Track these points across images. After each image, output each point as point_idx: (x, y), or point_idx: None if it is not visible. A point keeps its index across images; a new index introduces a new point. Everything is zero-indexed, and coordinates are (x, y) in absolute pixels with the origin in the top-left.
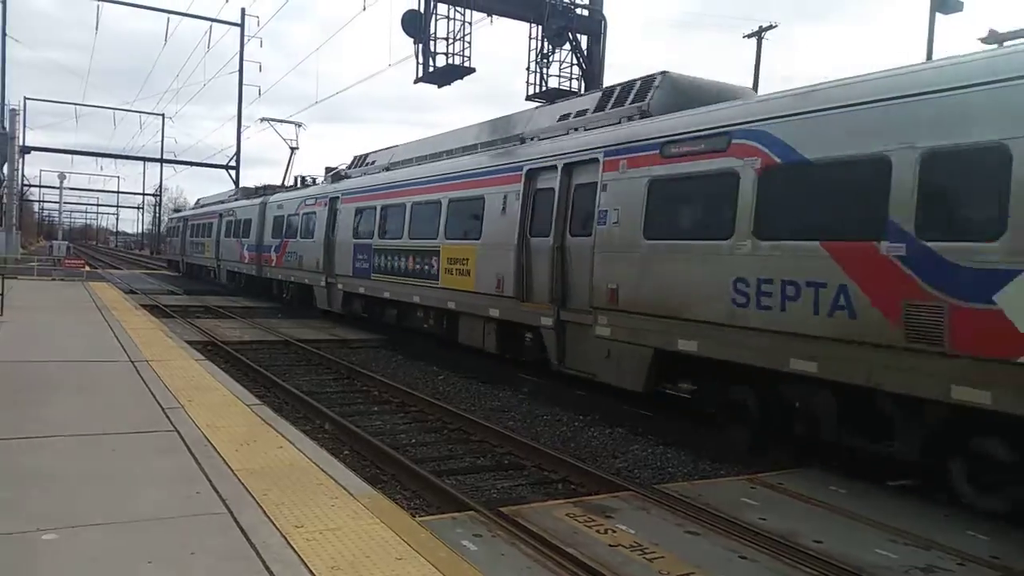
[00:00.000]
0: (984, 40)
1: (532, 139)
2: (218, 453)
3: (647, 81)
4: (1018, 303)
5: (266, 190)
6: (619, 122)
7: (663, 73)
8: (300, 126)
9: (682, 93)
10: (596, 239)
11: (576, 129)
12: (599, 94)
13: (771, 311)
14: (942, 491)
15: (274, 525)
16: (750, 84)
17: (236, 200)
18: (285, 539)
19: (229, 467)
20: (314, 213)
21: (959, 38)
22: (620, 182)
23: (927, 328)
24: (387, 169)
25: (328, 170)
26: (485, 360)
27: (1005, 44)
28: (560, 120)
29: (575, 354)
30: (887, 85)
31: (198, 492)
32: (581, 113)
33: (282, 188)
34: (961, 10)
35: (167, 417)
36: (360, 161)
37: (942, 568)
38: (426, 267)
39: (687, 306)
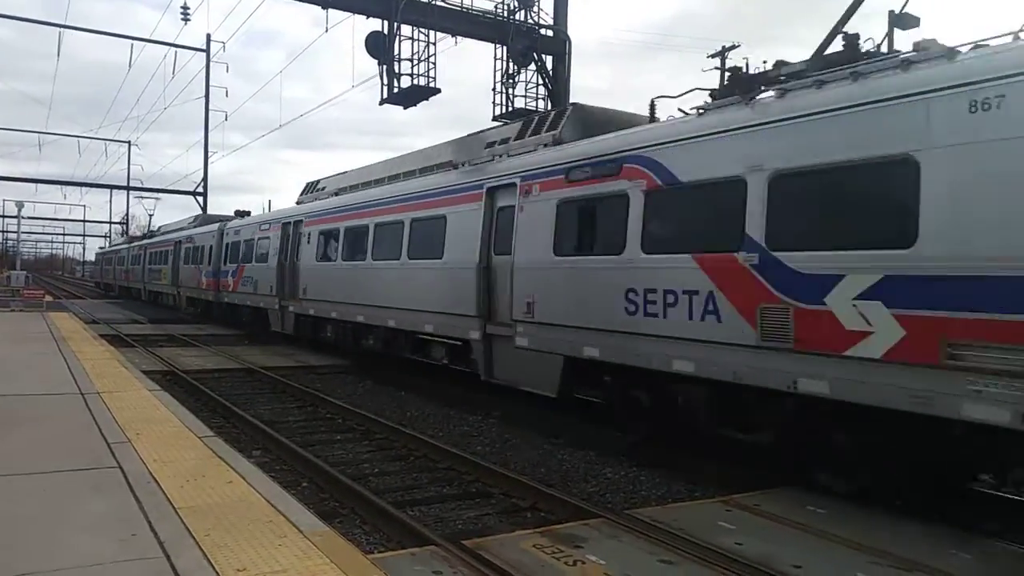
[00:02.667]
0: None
1: (462, 165)
2: (162, 490)
3: (560, 112)
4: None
5: (221, 219)
6: (535, 149)
7: (573, 105)
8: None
9: (591, 122)
10: (515, 257)
11: (500, 156)
12: (520, 124)
13: (656, 318)
14: (921, 508)
15: (213, 569)
16: None
17: (194, 227)
18: None
19: (172, 505)
20: (268, 238)
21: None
22: (534, 204)
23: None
24: (335, 194)
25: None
26: (454, 385)
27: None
28: (487, 147)
29: (501, 365)
30: (742, 116)
31: (134, 535)
32: (504, 141)
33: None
34: (918, 25)
35: (111, 452)
36: (312, 187)
37: None
38: (366, 286)
39: (590, 316)
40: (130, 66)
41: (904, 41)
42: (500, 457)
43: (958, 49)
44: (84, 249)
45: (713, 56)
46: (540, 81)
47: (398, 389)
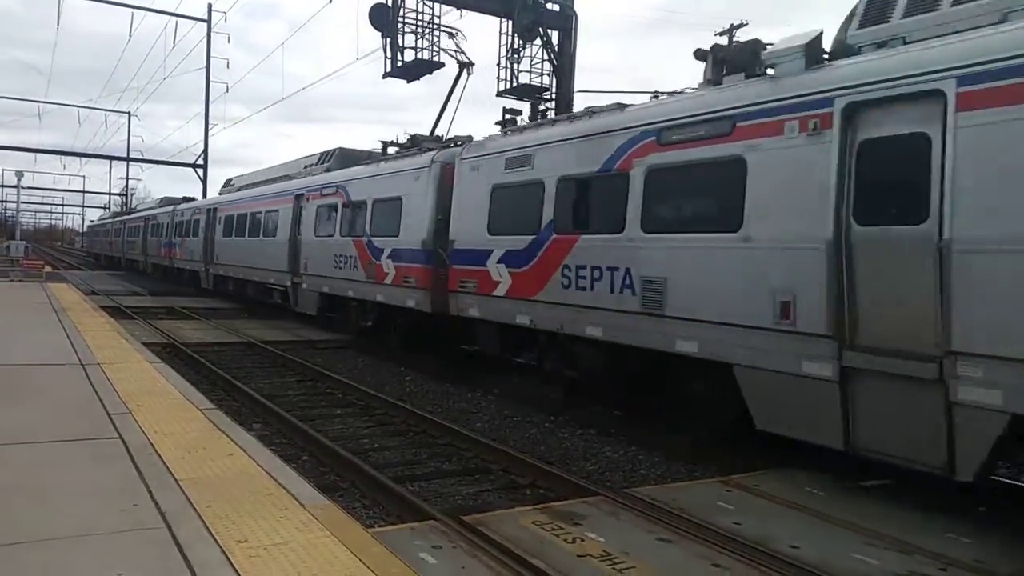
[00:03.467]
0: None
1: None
2: (163, 461)
3: (327, 154)
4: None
5: (184, 201)
6: (319, 174)
7: (340, 148)
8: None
9: (351, 158)
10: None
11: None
12: (316, 156)
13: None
14: (919, 490)
15: (215, 540)
16: None
17: (158, 208)
18: (225, 555)
19: (173, 476)
20: (198, 219)
21: None
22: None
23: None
24: (239, 190)
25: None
26: (454, 362)
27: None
28: (304, 168)
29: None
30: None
31: (135, 504)
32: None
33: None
34: None
35: (112, 423)
36: (228, 183)
37: (924, 574)
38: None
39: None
40: (130, 36)
41: None
42: (499, 434)
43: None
44: (83, 220)
45: (721, 34)
46: (546, 57)
47: (398, 365)
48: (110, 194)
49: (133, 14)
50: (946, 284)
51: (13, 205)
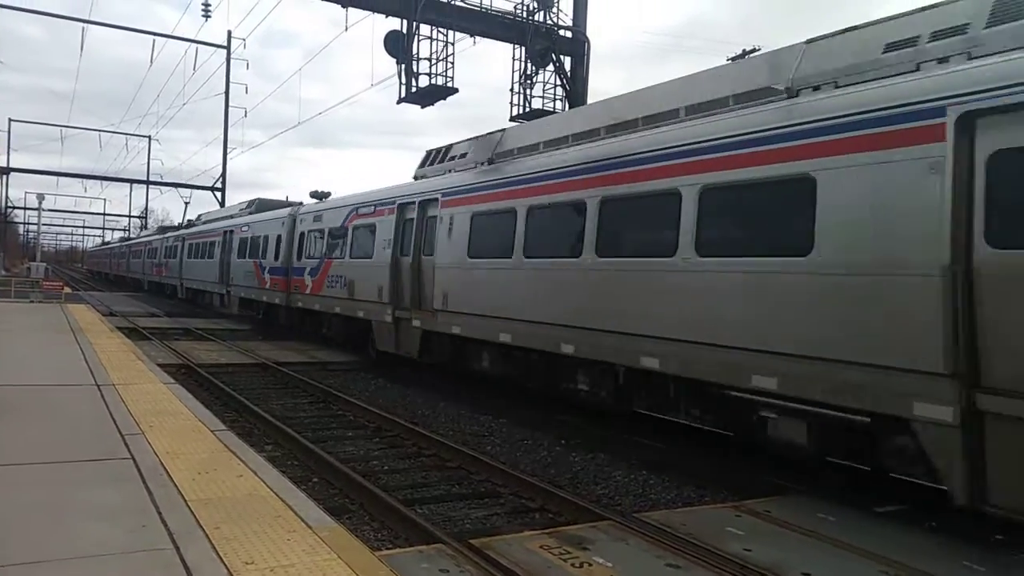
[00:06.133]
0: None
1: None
2: (173, 482)
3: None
4: None
5: (180, 227)
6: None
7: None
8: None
9: (266, 205)
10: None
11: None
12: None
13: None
14: (932, 516)
15: (222, 562)
16: None
17: (153, 235)
18: None
19: (183, 497)
20: (176, 246)
21: None
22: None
23: None
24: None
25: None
26: (467, 385)
27: None
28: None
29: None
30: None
31: (144, 525)
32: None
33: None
34: None
35: (125, 444)
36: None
37: None
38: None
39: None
40: (151, 62)
41: None
42: (510, 457)
43: None
44: (104, 242)
45: (733, 59)
46: (558, 82)
47: (410, 387)
48: (130, 216)
49: (155, 41)
50: None
51: (34, 227)
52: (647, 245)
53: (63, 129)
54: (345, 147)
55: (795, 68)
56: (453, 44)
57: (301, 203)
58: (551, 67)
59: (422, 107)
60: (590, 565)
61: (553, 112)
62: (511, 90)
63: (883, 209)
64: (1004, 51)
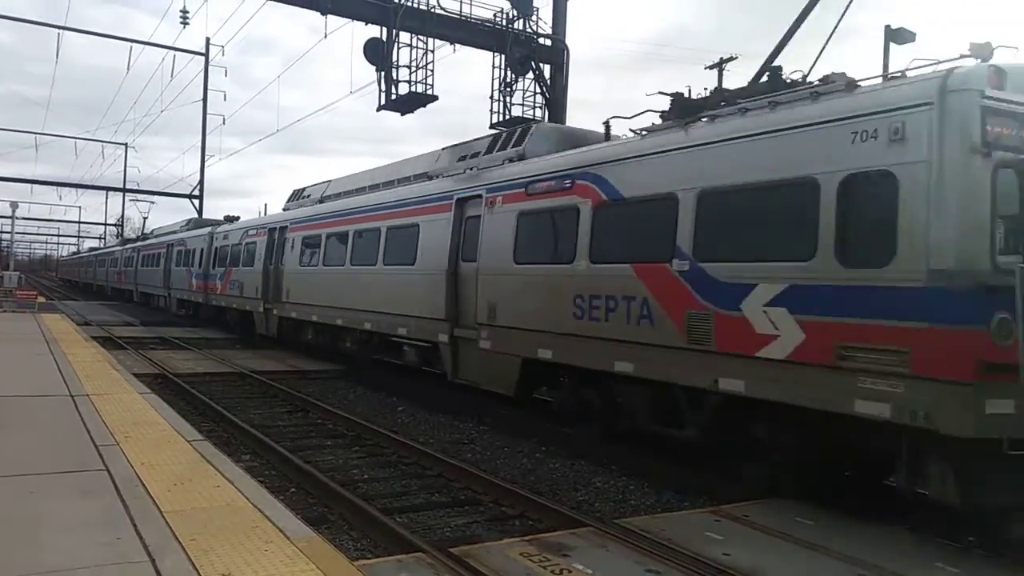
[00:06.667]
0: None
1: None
2: (148, 494)
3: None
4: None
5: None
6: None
7: (536, 122)
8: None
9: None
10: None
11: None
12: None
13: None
14: (908, 519)
15: (198, 574)
16: None
17: (115, 246)
18: None
19: (158, 509)
20: (132, 256)
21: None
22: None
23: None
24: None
25: (226, 218)
26: (446, 391)
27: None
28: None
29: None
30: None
31: (118, 538)
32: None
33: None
34: (914, 40)
35: (99, 455)
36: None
37: None
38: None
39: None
40: (128, 69)
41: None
42: (491, 465)
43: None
44: (79, 250)
45: (711, 68)
46: (538, 90)
47: (389, 395)
48: (105, 224)
49: (132, 48)
50: None
51: (7, 235)
52: (369, 256)
53: (37, 136)
54: (324, 154)
55: (434, 163)
56: (433, 52)
57: (223, 222)
58: (531, 75)
59: (402, 114)
60: (570, 572)
61: (534, 120)
62: (491, 98)
63: (439, 241)
64: (490, 168)
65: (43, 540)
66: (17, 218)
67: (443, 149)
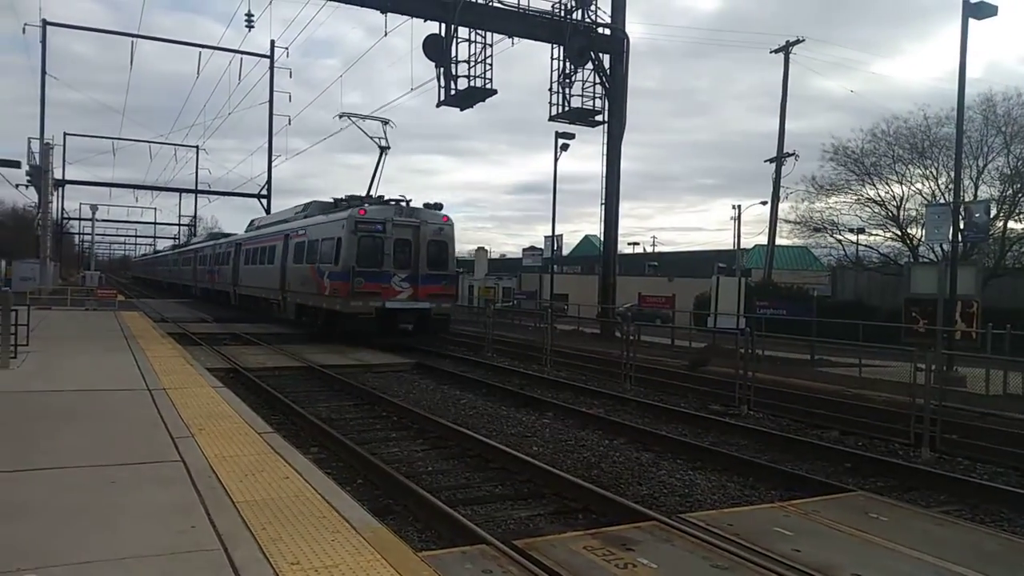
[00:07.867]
0: None
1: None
2: (221, 484)
3: (307, 204)
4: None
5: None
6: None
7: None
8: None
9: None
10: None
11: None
12: (302, 207)
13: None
14: (990, 517)
15: (268, 562)
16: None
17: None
18: None
19: (231, 499)
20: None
21: (996, 42)
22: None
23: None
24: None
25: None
26: (511, 385)
27: None
28: (295, 215)
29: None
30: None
31: (193, 526)
32: (298, 213)
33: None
34: (996, 14)
35: (175, 446)
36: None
37: None
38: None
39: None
40: (198, 74)
41: (980, 29)
42: (553, 457)
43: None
44: (155, 250)
45: (776, 51)
46: (597, 80)
47: (454, 388)
48: (179, 224)
49: (201, 53)
50: None
51: (88, 237)
52: (267, 261)
53: (115, 141)
54: (391, 152)
55: (292, 215)
56: (491, 46)
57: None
58: (590, 65)
59: (461, 109)
60: (634, 566)
61: (593, 109)
62: (550, 90)
63: (279, 252)
64: (295, 219)
65: (122, 527)
66: (97, 220)
67: (297, 206)
